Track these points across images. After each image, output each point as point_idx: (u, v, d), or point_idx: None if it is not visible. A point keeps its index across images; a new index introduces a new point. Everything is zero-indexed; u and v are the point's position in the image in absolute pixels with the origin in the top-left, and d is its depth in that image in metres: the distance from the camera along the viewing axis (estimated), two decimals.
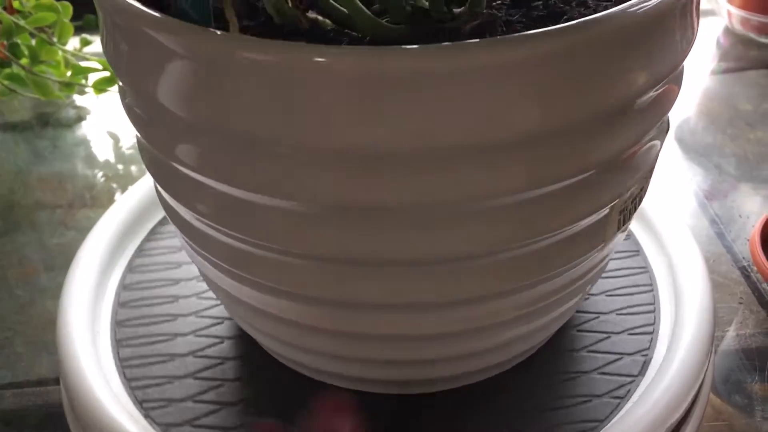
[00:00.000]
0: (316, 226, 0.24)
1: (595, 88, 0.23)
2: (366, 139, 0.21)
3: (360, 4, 0.23)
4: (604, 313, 0.34)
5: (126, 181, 0.52)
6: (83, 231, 0.47)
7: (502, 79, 0.21)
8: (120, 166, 0.54)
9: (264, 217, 0.24)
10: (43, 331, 0.40)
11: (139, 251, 0.38)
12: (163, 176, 0.27)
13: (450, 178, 0.23)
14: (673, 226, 0.37)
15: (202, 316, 0.34)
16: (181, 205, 0.27)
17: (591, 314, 0.34)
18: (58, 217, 0.48)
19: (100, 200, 0.50)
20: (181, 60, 0.22)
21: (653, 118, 0.26)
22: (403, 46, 0.21)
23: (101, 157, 0.55)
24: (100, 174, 0.53)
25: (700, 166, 0.52)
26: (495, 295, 0.27)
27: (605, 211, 0.26)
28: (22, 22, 0.52)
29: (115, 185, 0.52)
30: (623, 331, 0.33)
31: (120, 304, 0.35)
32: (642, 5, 0.23)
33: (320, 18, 0.25)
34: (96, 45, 0.63)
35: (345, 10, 0.24)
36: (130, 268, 0.37)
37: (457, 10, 0.24)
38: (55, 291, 0.42)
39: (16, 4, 0.53)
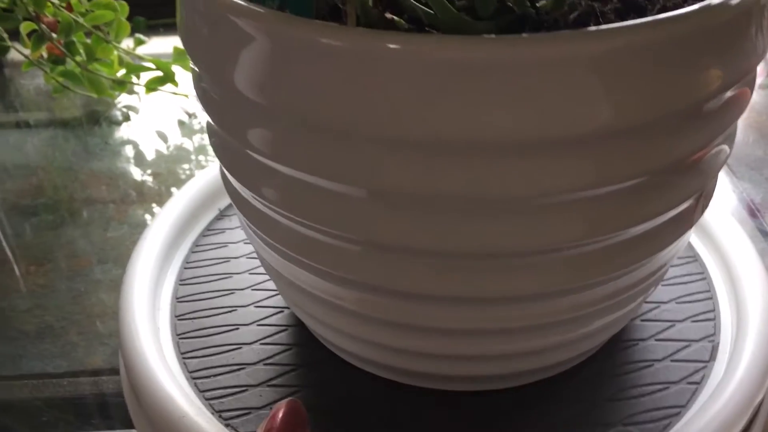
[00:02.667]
0: (382, 214, 0.24)
1: (671, 87, 0.22)
2: (436, 128, 0.21)
3: (445, 0, 0.23)
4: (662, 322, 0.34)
5: (174, 179, 0.53)
6: (135, 226, 0.47)
7: (578, 73, 0.21)
8: (165, 165, 0.55)
9: (331, 202, 0.24)
10: (98, 321, 0.40)
11: (196, 245, 0.38)
12: (232, 161, 0.27)
13: (517, 171, 0.22)
14: (733, 236, 0.37)
15: (261, 306, 0.35)
16: (247, 190, 0.27)
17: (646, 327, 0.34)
18: (110, 212, 0.49)
19: (150, 196, 0.51)
20: (258, 44, 0.22)
21: (726, 120, 0.25)
22: (479, 36, 0.21)
23: (149, 156, 0.56)
24: (149, 171, 0.53)
25: (750, 181, 0.52)
26: (556, 293, 0.26)
27: (671, 212, 0.26)
28: (81, 20, 0.52)
29: (164, 183, 0.52)
30: (673, 358, 0.33)
31: (178, 298, 0.35)
32: (724, 2, 0.22)
33: (396, 18, 0.25)
34: (148, 46, 0.63)
35: (426, 9, 0.24)
36: (187, 262, 0.37)
37: (539, 4, 0.24)
38: (108, 284, 0.43)
39: (74, 2, 0.54)
